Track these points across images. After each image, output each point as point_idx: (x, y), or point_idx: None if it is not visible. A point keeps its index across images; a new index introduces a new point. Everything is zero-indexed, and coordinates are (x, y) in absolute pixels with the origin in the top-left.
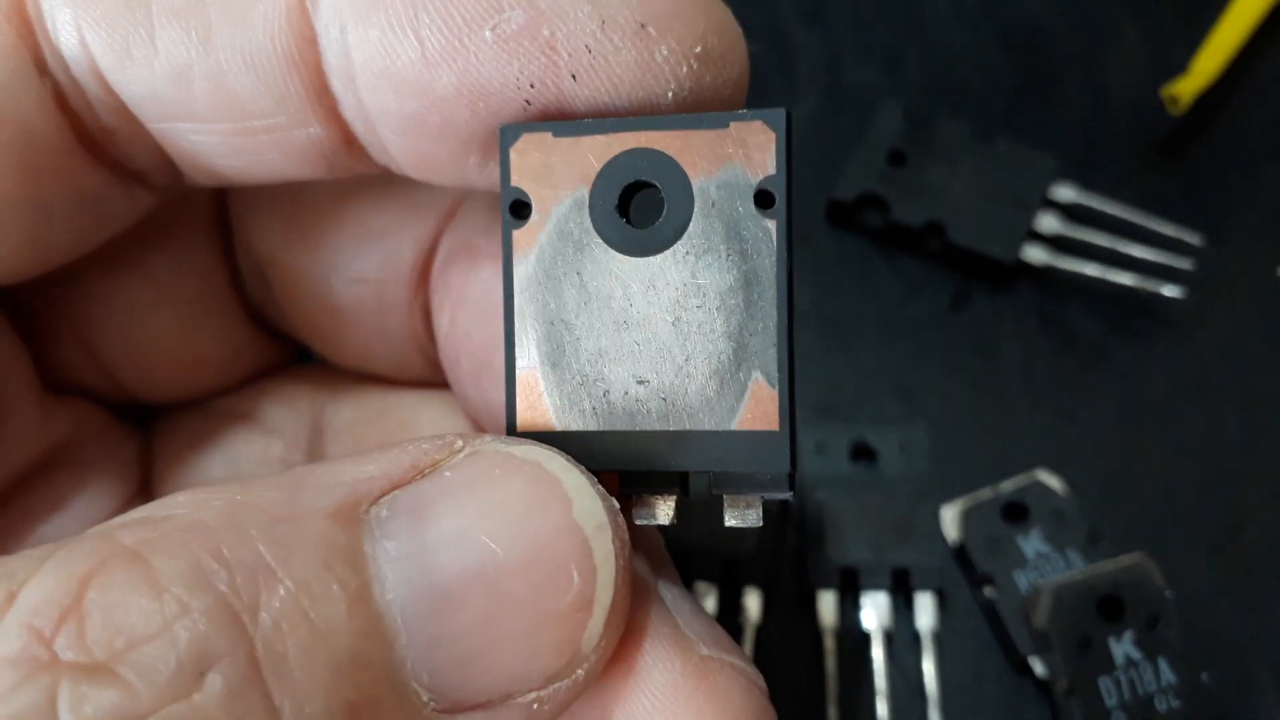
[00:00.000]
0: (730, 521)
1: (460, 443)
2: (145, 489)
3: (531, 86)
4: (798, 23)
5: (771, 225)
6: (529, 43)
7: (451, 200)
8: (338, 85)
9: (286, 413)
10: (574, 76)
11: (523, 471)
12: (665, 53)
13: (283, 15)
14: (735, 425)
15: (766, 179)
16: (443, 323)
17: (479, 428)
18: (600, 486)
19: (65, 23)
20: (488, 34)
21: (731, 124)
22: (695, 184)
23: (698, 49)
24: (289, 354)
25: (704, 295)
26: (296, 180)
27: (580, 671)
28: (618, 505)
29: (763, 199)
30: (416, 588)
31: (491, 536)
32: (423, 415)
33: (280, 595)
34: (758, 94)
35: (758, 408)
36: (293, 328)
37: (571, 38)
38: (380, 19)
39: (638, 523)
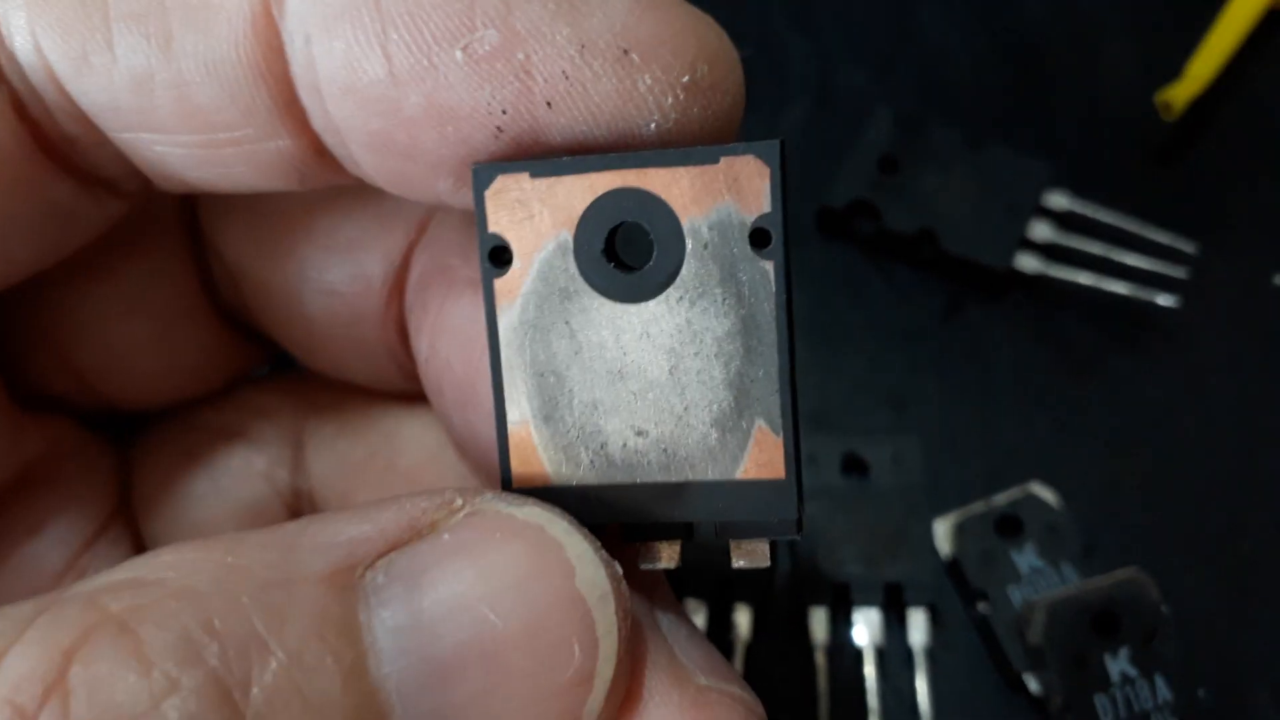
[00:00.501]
0: (738, 563)
1: (459, 500)
2: (125, 506)
3: (504, 112)
4: (789, 27)
5: (769, 266)
6: (502, 66)
7: (423, 214)
8: (305, 97)
9: (268, 426)
10: (549, 104)
11: (524, 536)
12: (649, 82)
13: (248, 23)
14: (740, 474)
15: (761, 217)
16: (422, 348)
17: (461, 448)
18: (604, 551)
19: (19, 27)
20: (459, 54)
21: (722, 159)
22: (686, 225)
23: (685, 79)
24: (268, 357)
25: (701, 342)
26: (268, 191)
27: None
28: (620, 570)
29: (758, 238)
30: (413, 660)
31: (491, 607)
32: (406, 430)
33: (272, 669)
34: (748, 99)
35: (762, 456)
36: (269, 333)
37: (548, 62)
38: (346, 31)
39: (642, 567)
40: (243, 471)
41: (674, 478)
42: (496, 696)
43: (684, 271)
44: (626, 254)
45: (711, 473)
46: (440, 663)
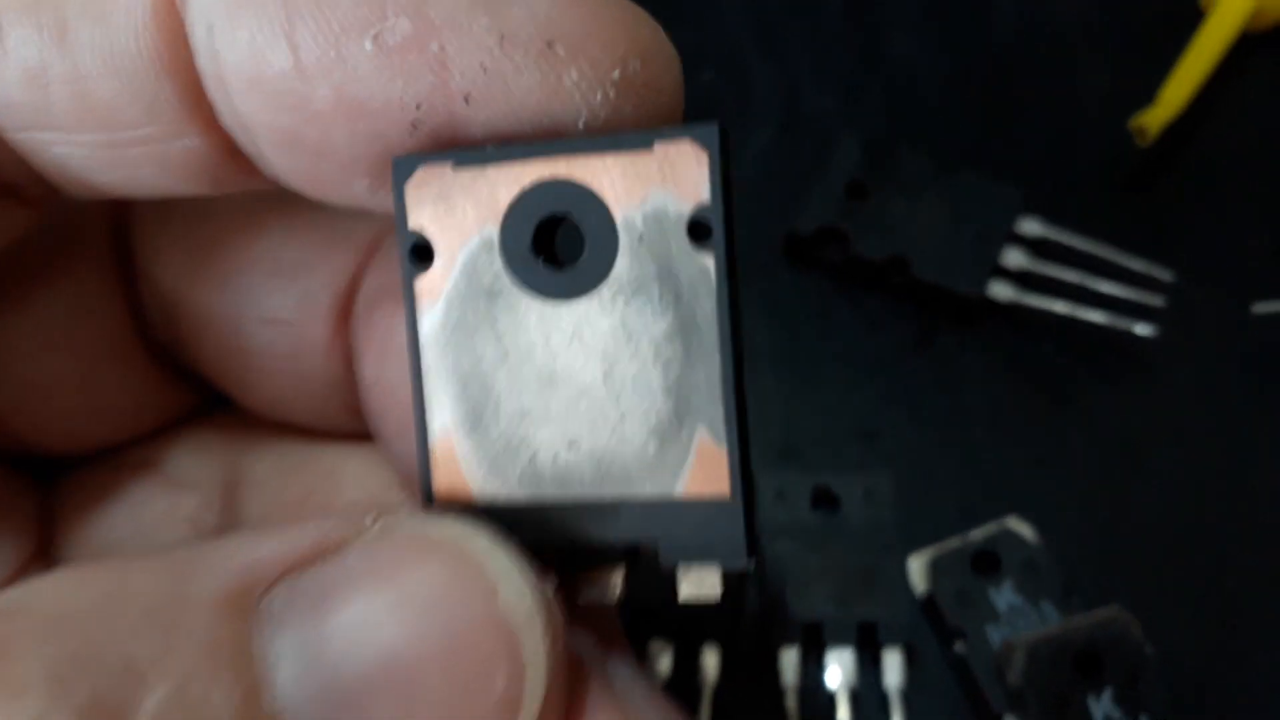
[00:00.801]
0: (685, 594)
1: (370, 519)
2: (45, 550)
3: (418, 107)
4: (754, 50)
5: (709, 260)
6: (415, 57)
7: (374, 233)
8: (213, 92)
9: (199, 464)
10: (467, 99)
11: (439, 553)
12: (575, 77)
13: (148, 11)
14: (680, 492)
15: (700, 207)
16: (366, 372)
17: (407, 481)
18: (530, 569)
19: None
20: (368, 44)
21: (656, 144)
22: (619, 217)
23: (615, 74)
24: (202, 399)
25: (637, 344)
26: (182, 196)
27: None
28: (552, 589)
29: (697, 231)
30: (313, 692)
31: (401, 631)
32: (349, 466)
33: (155, 700)
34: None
35: (705, 470)
36: (203, 371)
37: (464, 54)
38: (249, 19)
39: (581, 603)
40: (168, 515)
41: (608, 494)
42: None
43: (618, 267)
44: (558, 249)
45: (649, 488)
46: (344, 694)
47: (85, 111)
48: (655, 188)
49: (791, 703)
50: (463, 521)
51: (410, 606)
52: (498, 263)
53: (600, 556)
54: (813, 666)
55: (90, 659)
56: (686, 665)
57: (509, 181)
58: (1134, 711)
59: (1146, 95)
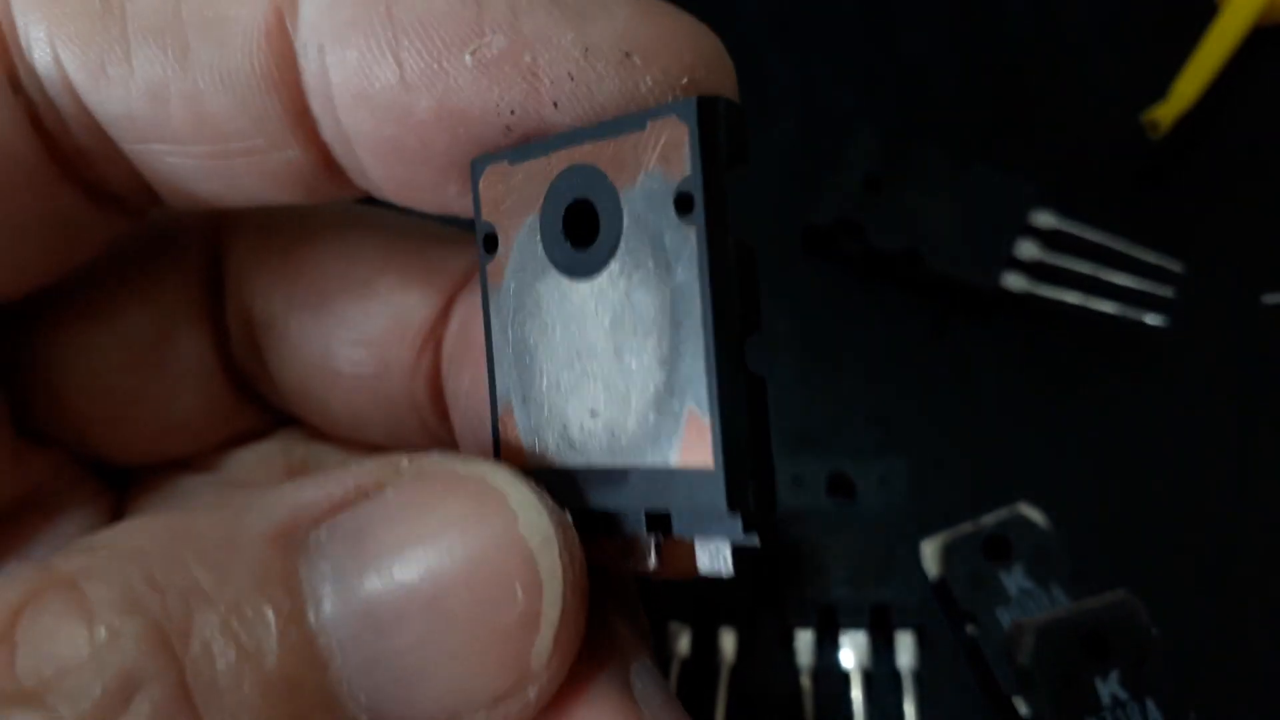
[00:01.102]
0: (702, 567)
1: (406, 462)
2: None
3: (512, 113)
4: (771, 45)
5: (690, 231)
6: (510, 68)
7: (469, 261)
8: (316, 107)
9: (267, 473)
10: (556, 104)
11: (465, 486)
12: (650, 83)
13: (261, 34)
14: (675, 462)
15: (684, 180)
16: (463, 384)
17: None
18: (550, 500)
19: (39, 39)
20: (468, 58)
21: (649, 123)
22: (622, 195)
23: (684, 80)
24: (271, 422)
25: (638, 318)
26: (277, 204)
27: (531, 691)
28: (569, 519)
29: (682, 203)
30: (351, 607)
31: (430, 552)
32: None
33: (211, 619)
34: None
35: (692, 442)
36: (281, 398)
37: (554, 65)
38: (359, 40)
39: (616, 572)
40: None
41: (618, 463)
42: (438, 641)
43: (622, 244)
44: (582, 240)
45: (651, 458)
46: (380, 610)
47: (199, 125)
48: (648, 166)
49: (806, 683)
50: (490, 462)
51: (439, 532)
52: (539, 246)
53: (630, 525)
54: (827, 648)
55: (156, 584)
56: (704, 646)
57: (545, 172)
58: (1140, 693)
59: (1159, 89)
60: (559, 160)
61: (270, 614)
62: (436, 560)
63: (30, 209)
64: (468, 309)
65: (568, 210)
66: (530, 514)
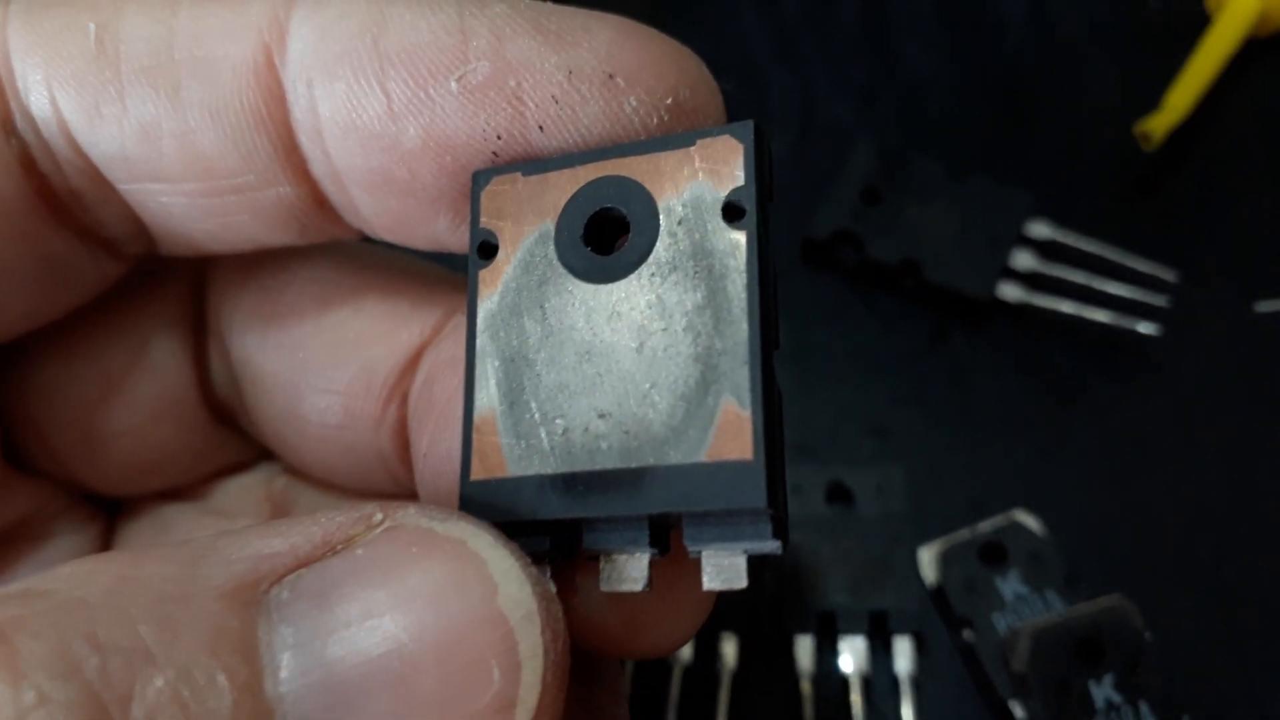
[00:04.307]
0: (709, 583)
1: (379, 515)
2: None
3: (499, 138)
4: (771, 59)
5: (740, 237)
6: (495, 94)
7: (442, 312)
8: (306, 142)
9: (251, 504)
10: (541, 128)
11: (443, 550)
12: (634, 104)
13: (250, 71)
14: (704, 456)
15: (735, 190)
16: (423, 443)
17: None
18: (534, 569)
19: (36, 83)
20: (453, 85)
21: (698, 142)
22: (661, 204)
23: (669, 101)
24: (257, 452)
25: (670, 317)
26: (272, 245)
27: None
28: (553, 590)
29: (730, 212)
30: (312, 680)
31: (401, 624)
32: None
33: (157, 685)
34: None
35: (728, 434)
36: (258, 431)
37: (538, 88)
38: (346, 72)
39: (604, 589)
40: None
41: (635, 463)
42: None
43: (657, 248)
44: (605, 247)
45: (674, 456)
46: (343, 684)
47: (190, 162)
48: (695, 178)
49: (806, 688)
50: (470, 520)
51: (411, 600)
52: (551, 253)
53: (623, 532)
54: (827, 653)
55: (98, 642)
56: (706, 652)
57: (567, 183)
58: (1134, 697)
59: (1154, 100)
60: (587, 172)
61: (223, 681)
62: (406, 633)
63: (22, 253)
64: (434, 363)
65: (592, 217)
66: (512, 585)
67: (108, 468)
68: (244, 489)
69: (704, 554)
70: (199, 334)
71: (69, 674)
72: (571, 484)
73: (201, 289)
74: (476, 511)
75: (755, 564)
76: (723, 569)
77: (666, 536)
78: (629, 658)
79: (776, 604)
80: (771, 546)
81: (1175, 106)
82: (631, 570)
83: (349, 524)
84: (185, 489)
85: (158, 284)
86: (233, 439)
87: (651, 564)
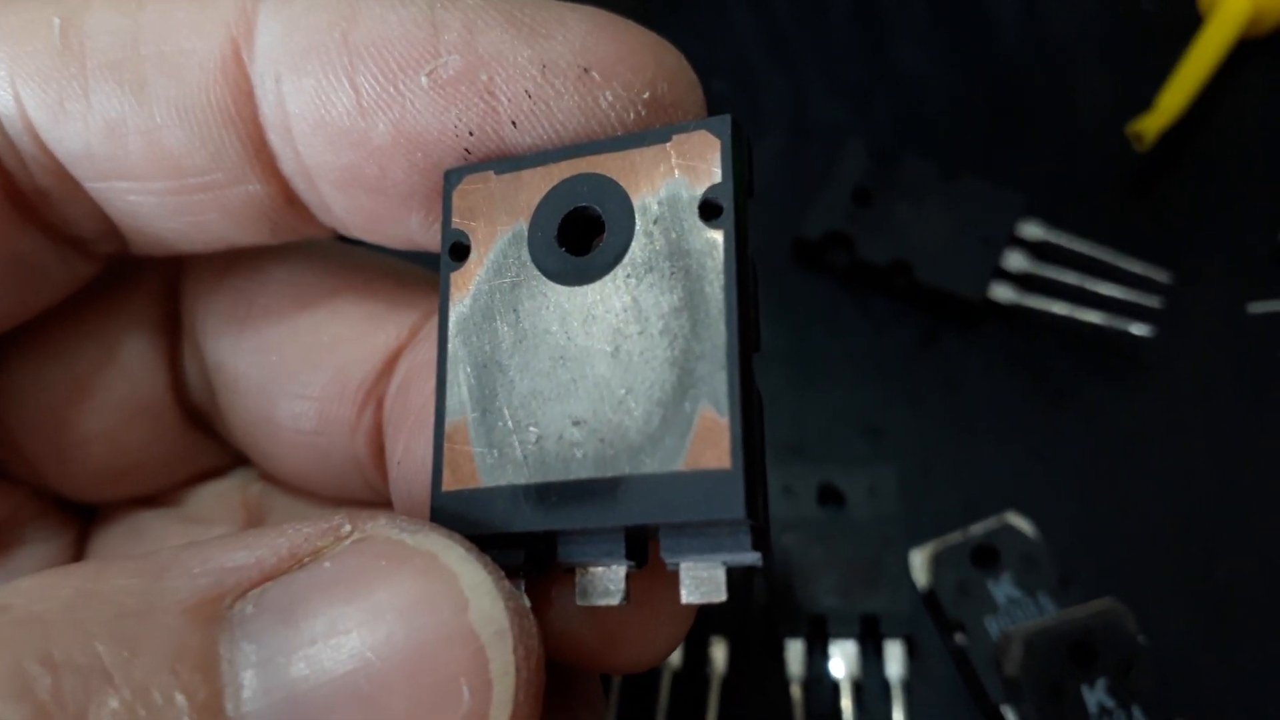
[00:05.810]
0: (688, 596)
1: (347, 527)
2: None
3: (471, 134)
4: (763, 59)
5: (718, 236)
6: (466, 88)
7: (416, 316)
8: (275, 139)
9: (227, 510)
10: (514, 123)
11: (412, 564)
12: (610, 98)
13: (217, 66)
14: (681, 465)
15: (712, 188)
16: (397, 450)
17: None
18: (506, 583)
19: (0, 78)
20: (424, 80)
21: (674, 137)
22: (636, 203)
23: (645, 95)
24: (233, 458)
25: (646, 320)
26: (242, 244)
27: None
28: (527, 605)
29: (707, 210)
30: (275, 699)
31: (368, 641)
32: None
33: (112, 706)
34: None
35: (706, 442)
36: (232, 436)
37: (511, 83)
38: (314, 67)
39: (580, 604)
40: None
41: (610, 472)
42: None
43: (632, 248)
44: (580, 248)
45: (650, 464)
46: (307, 704)
47: (157, 160)
48: (671, 175)
49: (797, 692)
50: (441, 532)
51: (379, 616)
52: (525, 254)
53: (598, 544)
54: (818, 657)
55: (52, 661)
56: (695, 656)
57: (540, 181)
58: (1126, 700)
59: (1146, 101)
60: (559, 170)
61: (182, 700)
62: (373, 650)
63: None
64: (410, 367)
65: (567, 217)
66: (484, 601)
67: (79, 473)
68: (219, 495)
69: (682, 566)
70: (173, 336)
71: (20, 695)
72: (546, 495)
73: (175, 290)
74: (448, 524)
75: (738, 575)
76: (701, 581)
77: (644, 548)
78: (608, 673)
79: (766, 607)
80: (751, 559)
81: (1168, 107)
82: (608, 583)
83: (316, 536)
84: (160, 495)
85: (130, 285)
86: (208, 444)
87: (629, 577)
